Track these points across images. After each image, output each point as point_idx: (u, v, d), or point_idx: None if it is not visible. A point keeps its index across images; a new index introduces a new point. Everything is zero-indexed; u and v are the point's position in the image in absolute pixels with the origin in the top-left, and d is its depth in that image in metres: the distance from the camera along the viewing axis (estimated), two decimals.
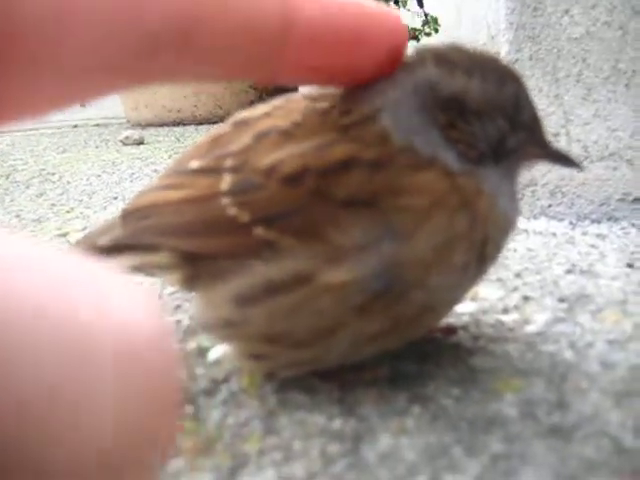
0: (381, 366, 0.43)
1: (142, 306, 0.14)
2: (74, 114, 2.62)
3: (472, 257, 0.38)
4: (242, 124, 0.41)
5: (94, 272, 0.14)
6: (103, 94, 0.23)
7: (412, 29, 1.91)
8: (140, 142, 1.64)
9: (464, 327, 0.48)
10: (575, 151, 0.71)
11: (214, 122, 2.02)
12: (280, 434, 0.37)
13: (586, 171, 0.72)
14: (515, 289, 0.55)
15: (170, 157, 1.40)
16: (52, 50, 0.20)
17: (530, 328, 0.48)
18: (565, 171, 0.71)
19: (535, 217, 0.75)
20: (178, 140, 1.69)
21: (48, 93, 0.21)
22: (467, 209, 0.37)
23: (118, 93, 0.25)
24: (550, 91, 0.72)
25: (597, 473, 0.32)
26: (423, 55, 0.39)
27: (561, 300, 0.52)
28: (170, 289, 0.58)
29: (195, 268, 0.40)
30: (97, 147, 1.66)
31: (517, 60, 0.73)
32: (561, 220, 0.74)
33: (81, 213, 0.94)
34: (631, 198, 0.71)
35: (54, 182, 1.20)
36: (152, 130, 1.93)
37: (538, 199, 0.75)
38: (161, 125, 2.04)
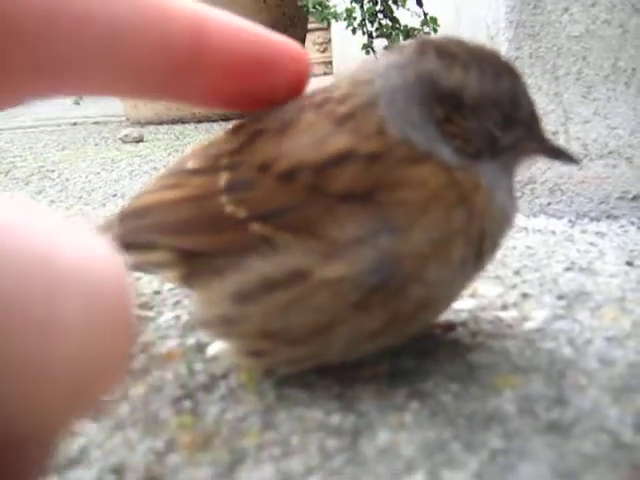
0: (380, 363, 0.43)
1: (101, 247, 0.16)
2: (73, 112, 2.62)
3: (470, 252, 0.38)
4: (238, 128, 0.41)
5: (59, 218, 0.16)
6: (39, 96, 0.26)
7: (411, 29, 1.91)
8: (139, 140, 1.64)
9: (463, 324, 0.48)
10: (574, 149, 0.70)
11: (213, 120, 2.02)
12: (278, 429, 0.37)
13: (585, 169, 0.71)
14: (514, 286, 0.55)
15: (169, 155, 1.40)
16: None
17: (529, 325, 0.48)
18: (564, 169, 0.71)
19: (534, 215, 0.75)
20: (177, 138, 1.69)
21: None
22: (464, 204, 0.37)
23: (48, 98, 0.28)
24: (550, 89, 0.72)
25: (596, 468, 0.32)
26: (425, 46, 0.39)
27: (560, 297, 0.52)
28: (169, 285, 0.58)
29: (192, 265, 0.40)
30: (96, 145, 1.66)
31: (517, 58, 0.73)
32: (560, 218, 0.74)
33: (80, 210, 0.94)
34: (630, 196, 0.71)
35: (53, 179, 1.20)
36: (151, 128, 1.93)
37: (537, 197, 0.75)
38: (160, 123, 2.04)
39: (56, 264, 0.15)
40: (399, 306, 0.37)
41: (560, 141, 0.72)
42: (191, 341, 0.48)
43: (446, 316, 0.47)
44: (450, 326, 0.48)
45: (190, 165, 0.41)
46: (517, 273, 0.58)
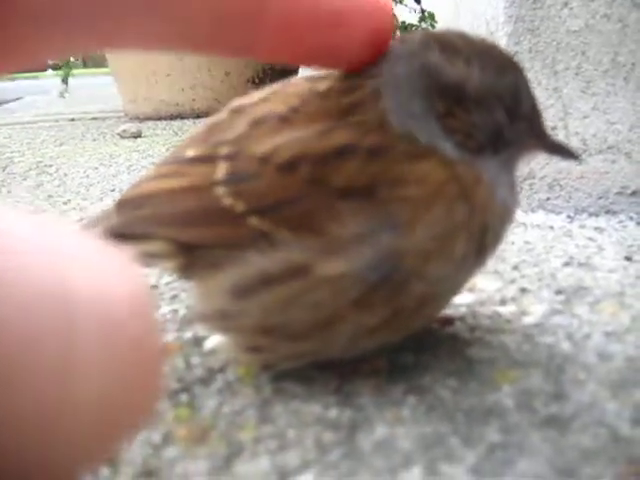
0: (380, 358, 0.42)
1: (123, 274, 0.15)
2: (72, 107, 2.61)
3: (471, 247, 0.38)
4: (238, 111, 0.40)
5: (77, 240, 0.14)
6: (70, 51, 0.24)
7: (409, 25, 1.90)
8: (138, 135, 1.64)
9: (461, 318, 0.48)
10: (574, 144, 0.70)
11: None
12: (275, 422, 0.37)
13: (584, 164, 0.71)
14: (513, 281, 0.55)
15: (167, 150, 1.40)
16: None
17: (527, 320, 0.48)
18: (563, 164, 0.71)
19: (533, 210, 0.74)
20: (176, 133, 1.68)
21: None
22: (466, 199, 0.37)
23: (88, 52, 0.25)
24: (549, 84, 0.72)
25: (594, 463, 0.32)
26: (429, 38, 0.38)
27: (558, 292, 0.52)
28: (167, 279, 0.58)
29: (190, 257, 0.40)
30: (95, 140, 1.65)
31: (516, 53, 0.73)
32: (559, 213, 0.74)
33: (78, 205, 0.94)
34: (629, 191, 0.71)
35: (51, 174, 1.20)
36: (150, 123, 1.92)
37: (536, 192, 0.74)
38: (159, 118, 2.03)
39: (71, 295, 0.13)
40: (401, 302, 0.37)
41: (559, 136, 0.71)
42: (188, 335, 0.48)
43: (444, 310, 0.47)
44: (448, 321, 0.48)
45: (189, 153, 0.40)
46: (516, 268, 0.58)
